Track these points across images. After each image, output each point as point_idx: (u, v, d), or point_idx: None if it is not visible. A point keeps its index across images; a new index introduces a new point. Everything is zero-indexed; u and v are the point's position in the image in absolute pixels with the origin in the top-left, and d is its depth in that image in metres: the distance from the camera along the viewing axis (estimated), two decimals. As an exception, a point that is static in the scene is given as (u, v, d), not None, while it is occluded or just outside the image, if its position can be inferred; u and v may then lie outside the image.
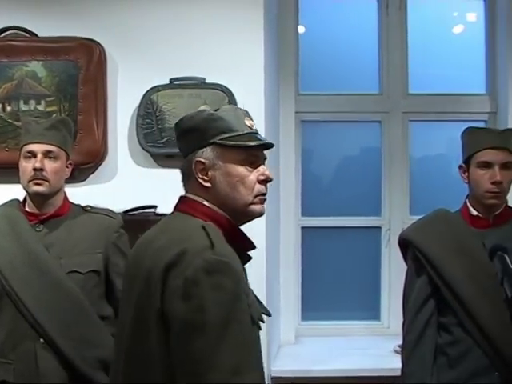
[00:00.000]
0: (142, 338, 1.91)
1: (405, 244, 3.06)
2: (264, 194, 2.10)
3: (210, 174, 2.05)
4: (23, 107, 3.53)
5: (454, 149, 4.30)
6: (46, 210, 2.93)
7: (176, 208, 2.12)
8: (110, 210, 3.12)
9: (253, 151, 2.08)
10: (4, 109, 3.55)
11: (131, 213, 3.43)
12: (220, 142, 2.04)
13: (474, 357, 2.82)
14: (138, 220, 3.39)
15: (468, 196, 3.01)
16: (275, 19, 4.02)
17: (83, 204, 3.08)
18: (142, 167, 3.59)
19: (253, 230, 2.17)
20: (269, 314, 2.19)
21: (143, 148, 3.51)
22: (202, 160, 2.04)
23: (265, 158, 2.13)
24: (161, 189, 3.49)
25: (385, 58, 4.34)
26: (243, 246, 2.08)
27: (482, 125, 4.21)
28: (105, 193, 3.46)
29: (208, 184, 2.06)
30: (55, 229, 2.94)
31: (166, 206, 3.39)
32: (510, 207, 3.01)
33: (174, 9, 3.60)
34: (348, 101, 4.34)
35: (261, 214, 2.11)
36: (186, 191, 2.12)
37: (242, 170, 2.05)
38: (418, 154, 4.47)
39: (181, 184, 3.36)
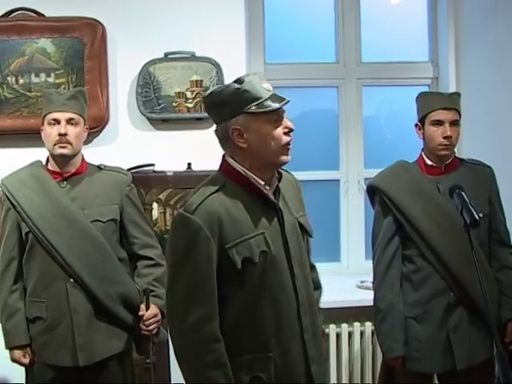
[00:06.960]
0: None
1: (372, 190, 3.38)
2: (290, 144, 2.40)
3: (245, 136, 2.35)
4: (34, 79, 3.74)
5: (401, 110, 4.62)
6: (67, 169, 3.20)
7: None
8: (121, 168, 3.39)
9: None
10: (17, 81, 3.75)
11: (132, 170, 3.62)
12: (250, 111, 2.33)
13: (434, 281, 3.19)
14: (139, 176, 3.65)
15: (423, 149, 3.35)
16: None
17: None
18: (140, 130, 3.86)
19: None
20: None
21: (142, 114, 3.77)
22: (237, 127, 2.34)
23: (283, 112, 2.39)
24: (157, 149, 3.82)
25: (340, 31, 4.55)
26: (258, 192, 2.41)
27: (425, 89, 4.45)
28: (108, 153, 3.68)
29: (245, 145, 2.36)
30: (77, 185, 3.21)
31: (162, 164, 3.82)
32: (457, 158, 3.38)
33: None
34: (310, 69, 4.55)
35: (287, 163, 2.42)
36: (225, 152, 2.46)
37: (269, 128, 2.35)
38: (370, 114, 4.69)
39: (174, 144, 3.81)
